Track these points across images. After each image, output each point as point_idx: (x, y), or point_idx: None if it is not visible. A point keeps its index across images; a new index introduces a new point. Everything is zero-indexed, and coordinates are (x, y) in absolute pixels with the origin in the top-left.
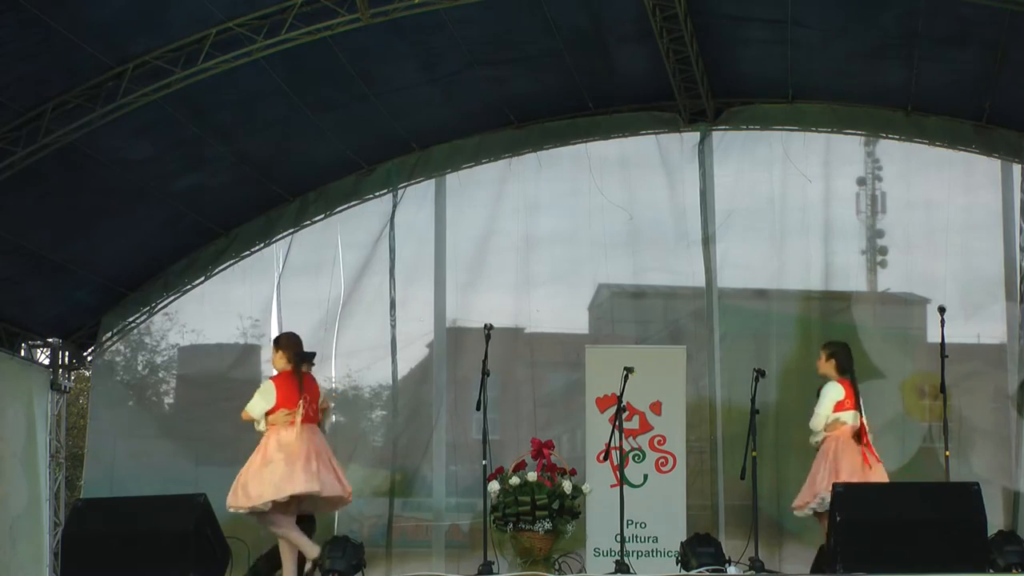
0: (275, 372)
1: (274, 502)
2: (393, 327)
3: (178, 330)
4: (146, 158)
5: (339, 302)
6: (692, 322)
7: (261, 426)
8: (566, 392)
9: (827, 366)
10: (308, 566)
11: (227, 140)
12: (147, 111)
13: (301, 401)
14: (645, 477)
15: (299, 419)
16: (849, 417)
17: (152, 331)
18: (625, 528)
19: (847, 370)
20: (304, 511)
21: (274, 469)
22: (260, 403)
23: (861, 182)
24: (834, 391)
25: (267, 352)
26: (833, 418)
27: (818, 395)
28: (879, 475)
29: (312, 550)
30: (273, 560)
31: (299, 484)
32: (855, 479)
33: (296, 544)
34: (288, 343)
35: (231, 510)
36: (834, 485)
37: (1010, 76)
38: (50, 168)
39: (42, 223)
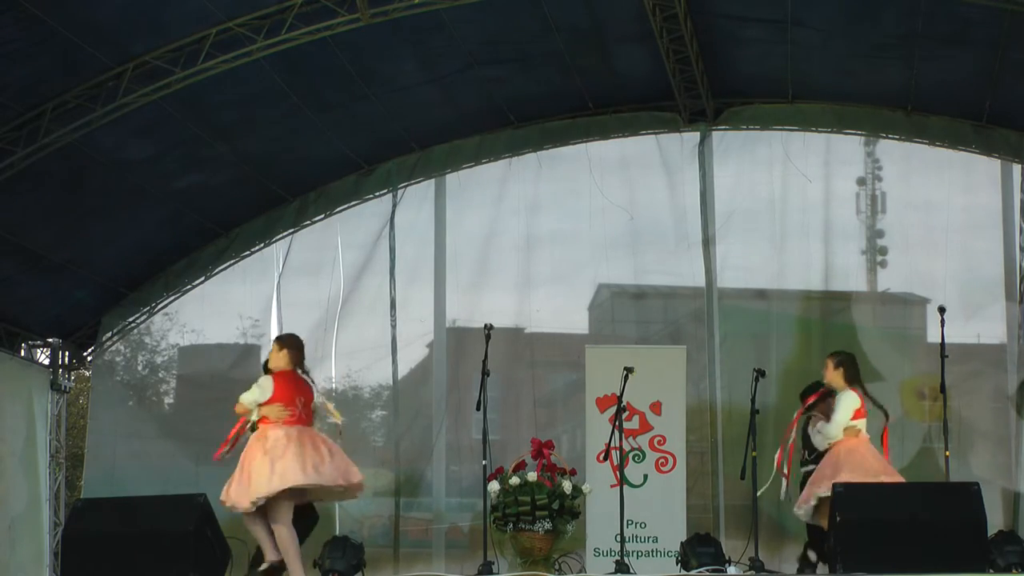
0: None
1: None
2: (393, 327)
3: (178, 330)
4: (146, 158)
5: (339, 302)
6: (692, 323)
7: (255, 415)
8: (566, 392)
9: (835, 375)
10: (264, 565)
11: (227, 140)
12: (147, 111)
13: (298, 401)
14: (645, 477)
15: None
16: (863, 425)
17: (152, 331)
18: (625, 528)
19: (855, 380)
20: (308, 500)
21: (262, 466)
22: (255, 393)
23: (861, 182)
24: (851, 400)
25: (267, 352)
26: (850, 425)
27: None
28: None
29: (271, 553)
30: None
31: (289, 478)
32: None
33: (260, 541)
34: (293, 343)
35: (227, 506)
36: (834, 485)
37: (1010, 76)
38: (50, 168)
39: (42, 223)
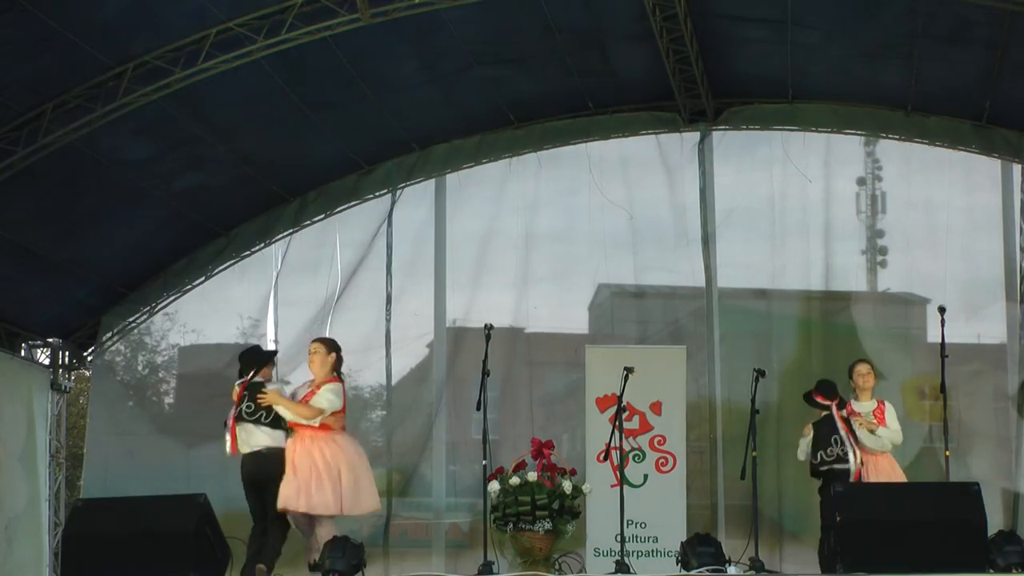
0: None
1: None
2: (388, 321)
3: (178, 330)
4: (146, 158)
5: (334, 298)
6: (692, 322)
7: (315, 422)
8: (566, 392)
9: (873, 384)
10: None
11: (227, 140)
12: (147, 111)
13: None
14: (645, 477)
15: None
16: None
17: (152, 331)
18: (625, 528)
19: None
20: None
21: (356, 481)
22: (336, 402)
23: (861, 182)
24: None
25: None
26: None
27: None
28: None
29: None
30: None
31: (375, 503)
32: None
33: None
34: (338, 348)
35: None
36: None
37: (1010, 76)
38: (50, 168)
39: (42, 223)
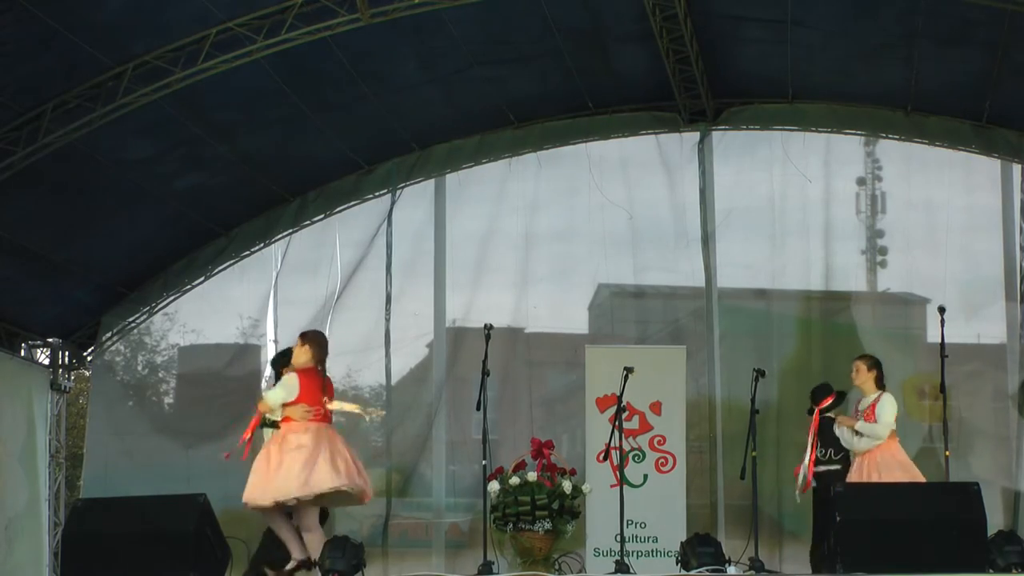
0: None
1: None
2: (387, 321)
3: (178, 330)
4: (146, 158)
5: (334, 298)
6: (692, 322)
7: (277, 415)
8: (566, 392)
9: (868, 377)
10: (292, 564)
11: (227, 140)
12: (147, 111)
13: (323, 400)
14: (645, 477)
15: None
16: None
17: (152, 331)
18: (625, 528)
19: (883, 382)
20: (323, 506)
21: (291, 467)
22: (280, 393)
23: (861, 182)
24: (893, 402)
25: (265, 352)
26: (893, 427)
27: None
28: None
29: (297, 552)
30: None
31: (325, 481)
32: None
33: (285, 541)
34: (316, 340)
35: (250, 505)
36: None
37: (1010, 76)
38: (50, 168)
39: (42, 223)
